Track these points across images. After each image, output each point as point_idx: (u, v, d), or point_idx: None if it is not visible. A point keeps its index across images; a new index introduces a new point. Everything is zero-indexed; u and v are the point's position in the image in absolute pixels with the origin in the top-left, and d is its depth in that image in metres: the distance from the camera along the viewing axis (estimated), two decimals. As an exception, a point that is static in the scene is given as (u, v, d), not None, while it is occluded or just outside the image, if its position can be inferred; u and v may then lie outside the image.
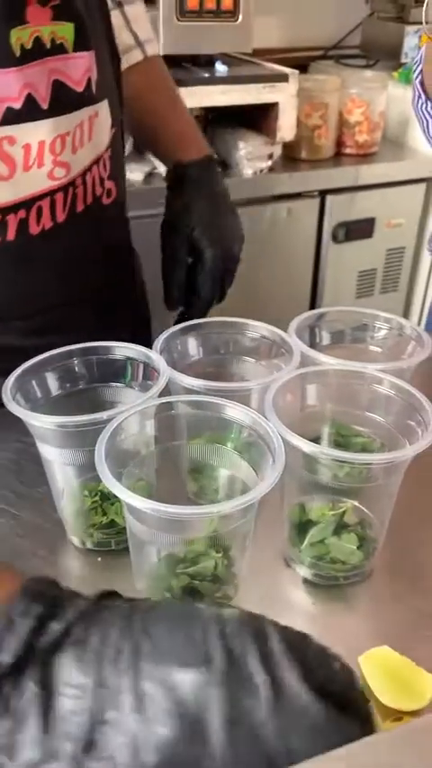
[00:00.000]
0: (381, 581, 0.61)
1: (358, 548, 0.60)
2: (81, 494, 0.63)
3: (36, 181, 0.66)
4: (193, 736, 0.27)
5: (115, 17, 0.81)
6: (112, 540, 0.63)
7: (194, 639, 0.30)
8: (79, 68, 0.65)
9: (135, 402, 0.57)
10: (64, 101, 0.64)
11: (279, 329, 0.69)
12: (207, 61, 1.60)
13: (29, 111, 0.62)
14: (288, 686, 0.29)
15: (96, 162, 0.72)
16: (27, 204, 0.67)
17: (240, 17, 1.52)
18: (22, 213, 0.67)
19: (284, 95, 1.59)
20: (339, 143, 1.78)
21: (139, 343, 0.64)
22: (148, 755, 0.27)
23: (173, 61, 1.51)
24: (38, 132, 0.63)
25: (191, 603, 0.34)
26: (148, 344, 0.64)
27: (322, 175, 1.69)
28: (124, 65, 0.82)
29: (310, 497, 0.61)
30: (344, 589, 0.60)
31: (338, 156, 1.78)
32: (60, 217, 0.70)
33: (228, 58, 1.66)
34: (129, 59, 0.85)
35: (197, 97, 1.50)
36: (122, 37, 0.83)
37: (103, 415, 0.55)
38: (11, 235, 0.68)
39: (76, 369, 0.65)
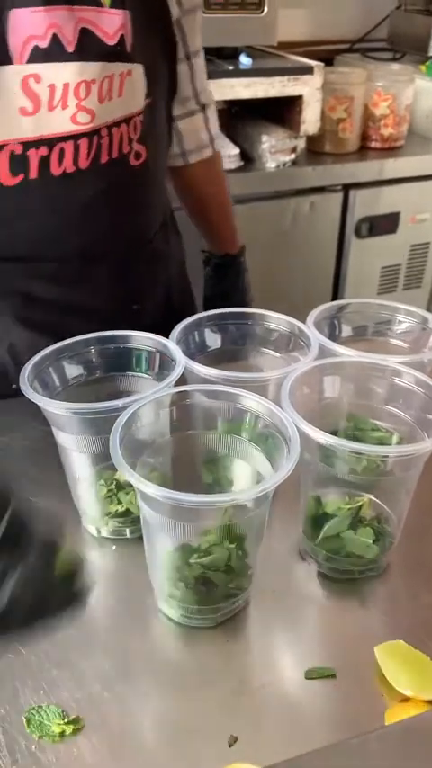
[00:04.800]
0: (397, 576, 0.60)
1: (374, 542, 0.59)
2: (97, 482, 0.63)
3: (59, 122, 0.69)
4: None
5: (197, 119, 0.95)
6: (126, 528, 0.63)
7: None
8: (113, 24, 0.69)
9: (151, 391, 0.57)
10: (90, 48, 0.68)
11: (299, 321, 0.68)
12: (232, 53, 1.59)
13: (54, 52, 0.66)
14: None
15: (127, 121, 0.75)
16: (49, 143, 0.70)
17: (266, 9, 1.51)
18: (43, 151, 0.70)
19: (309, 88, 1.58)
20: (364, 137, 1.76)
21: (161, 325, 0.66)
22: None
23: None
24: (62, 73, 0.67)
25: None
26: (168, 326, 0.66)
27: (346, 169, 1.67)
28: (195, 158, 0.98)
29: (326, 490, 0.61)
30: (359, 583, 0.60)
31: (363, 150, 1.76)
32: (83, 164, 0.72)
33: (252, 51, 1.65)
34: (201, 154, 0.98)
35: (221, 90, 1.49)
36: (201, 135, 0.97)
37: (119, 402, 0.55)
38: (33, 173, 0.70)
39: (94, 358, 0.65)
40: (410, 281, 1.88)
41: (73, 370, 0.63)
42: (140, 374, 0.65)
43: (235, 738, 0.48)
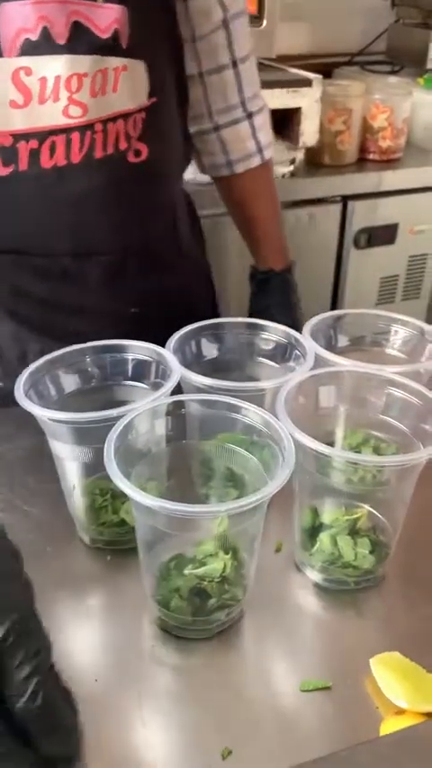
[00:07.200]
0: (393, 587, 0.60)
1: (370, 552, 0.59)
2: (92, 491, 0.63)
3: (51, 114, 0.69)
4: None
5: (242, 127, 0.92)
6: (121, 538, 0.63)
7: None
8: (106, 18, 0.68)
9: (147, 400, 0.57)
10: (82, 42, 0.68)
11: (295, 331, 0.68)
12: (231, 66, 1.60)
13: (45, 45, 0.66)
14: None
15: (124, 117, 0.73)
16: (40, 135, 0.69)
17: (264, 22, 1.52)
18: (33, 143, 0.69)
19: (308, 100, 1.58)
20: (363, 149, 1.77)
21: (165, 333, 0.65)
22: None
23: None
24: (54, 66, 0.67)
25: None
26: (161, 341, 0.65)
27: (345, 181, 1.68)
28: (242, 168, 0.94)
29: (321, 500, 0.61)
30: (355, 594, 0.59)
31: (361, 162, 1.77)
32: (75, 158, 0.71)
33: (252, 64, 1.66)
34: (248, 164, 0.94)
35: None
36: (247, 144, 0.93)
37: (114, 412, 0.55)
38: (23, 165, 0.70)
39: (89, 368, 0.65)
40: (409, 291, 1.88)
41: (68, 380, 0.63)
42: (136, 383, 0.65)
43: (229, 751, 0.47)
